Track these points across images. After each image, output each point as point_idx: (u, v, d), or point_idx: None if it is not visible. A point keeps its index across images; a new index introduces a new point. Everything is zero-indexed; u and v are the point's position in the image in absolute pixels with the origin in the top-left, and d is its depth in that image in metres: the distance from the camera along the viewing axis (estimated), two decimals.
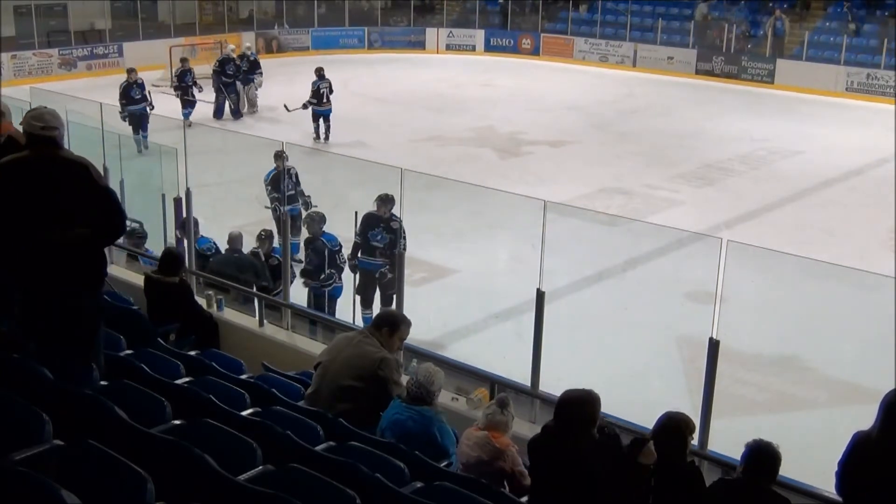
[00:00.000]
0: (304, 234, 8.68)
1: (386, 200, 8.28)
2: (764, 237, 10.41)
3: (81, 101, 9.16)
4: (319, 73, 16.54)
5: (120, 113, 14.58)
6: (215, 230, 9.00)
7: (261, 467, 3.41)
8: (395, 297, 7.29)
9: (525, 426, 5.46)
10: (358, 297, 8.64)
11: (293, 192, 9.98)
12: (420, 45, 28.04)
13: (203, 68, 19.03)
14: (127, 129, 14.32)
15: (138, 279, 6.96)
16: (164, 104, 16.41)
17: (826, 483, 4.31)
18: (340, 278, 8.49)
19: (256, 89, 18.87)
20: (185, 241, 7.89)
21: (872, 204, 13.46)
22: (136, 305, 6.31)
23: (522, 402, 5.73)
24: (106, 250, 4.95)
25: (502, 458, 4.20)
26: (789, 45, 24.22)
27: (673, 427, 3.96)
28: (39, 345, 4.22)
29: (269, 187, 10.02)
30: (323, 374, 4.83)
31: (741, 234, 11.23)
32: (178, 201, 8.18)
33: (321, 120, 16.52)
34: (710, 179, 15.11)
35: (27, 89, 10.58)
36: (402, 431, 4.41)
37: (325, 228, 8.46)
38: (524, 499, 4.21)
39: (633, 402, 5.67)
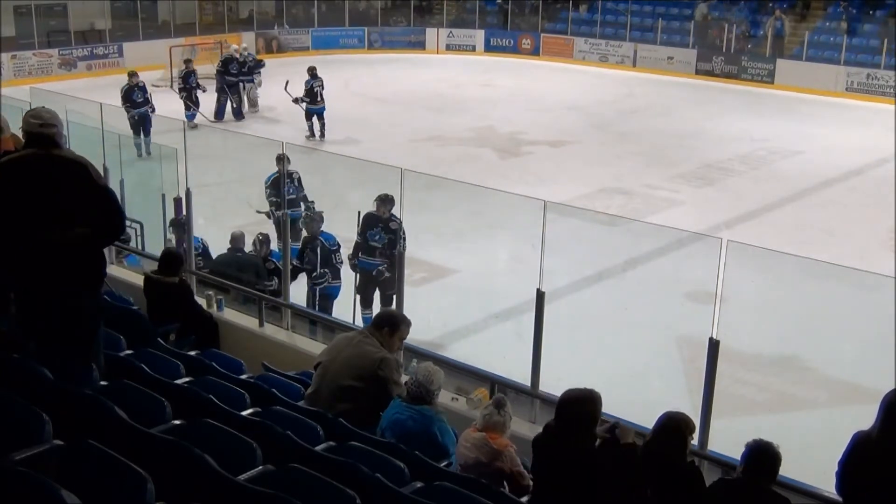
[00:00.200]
0: (304, 234, 8.68)
1: (385, 201, 8.28)
2: (764, 237, 10.40)
3: (81, 101, 9.16)
4: (312, 72, 16.79)
5: (127, 112, 14.59)
6: (215, 230, 9.00)
7: (261, 467, 3.41)
8: (395, 297, 7.28)
9: (525, 426, 5.46)
10: (358, 297, 8.63)
11: (294, 196, 9.82)
12: (420, 46, 28.04)
13: (205, 68, 19.03)
14: (127, 129, 14.30)
15: (138, 279, 6.95)
16: (165, 104, 16.40)
17: (826, 483, 4.31)
18: (338, 279, 8.47)
19: (257, 89, 18.90)
20: (175, 239, 7.85)
21: (872, 204, 13.46)
22: (136, 305, 6.31)
23: (522, 402, 5.73)
24: (105, 250, 4.95)
25: (500, 458, 4.20)
26: (789, 45, 24.23)
27: (673, 427, 3.96)
28: (39, 345, 4.22)
29: (270, 190, 9.87)
30: (323, 374, 4.84)
31: (741, 234, 11.23)
32: (177, 201, 8.18)
33: (314, 118, 16.78)
34: (710, 179, 15.11)
35: (27, 89, 10.59)
36: (403, 431, 4.41)
37: (325, 228, 8.45)
38: (524, 499, 4.21)
39: (633, 402, 5.66)
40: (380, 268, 8.40)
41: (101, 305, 4.63)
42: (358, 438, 4.14)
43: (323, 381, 4.81)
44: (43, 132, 4.13)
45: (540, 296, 5.71)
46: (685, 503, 3.91)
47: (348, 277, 8.62)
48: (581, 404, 3.97)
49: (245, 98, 18.66)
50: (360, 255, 8.55)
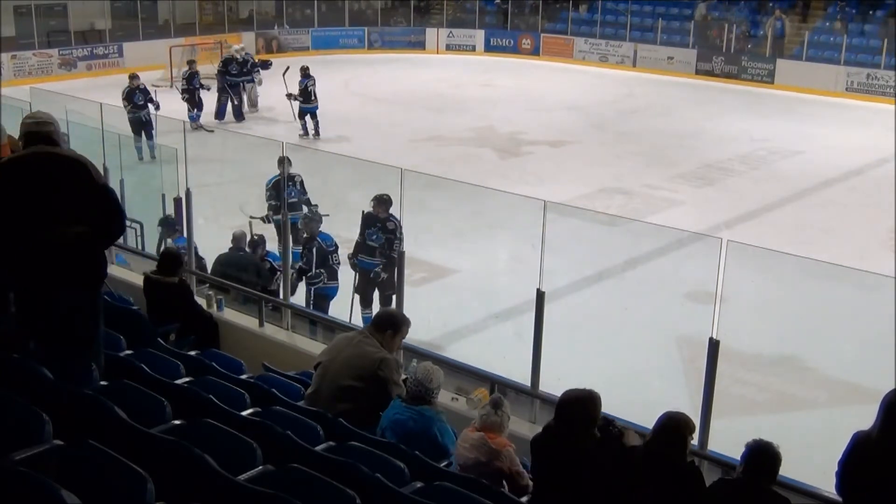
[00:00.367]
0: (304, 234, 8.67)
1: (381, 201, 8.25)
2: (764, 237, 10.39)
3: (81, 102, 9.17)
4: (305, 71, 16.95)
5: (129, 113, 14.59)
6: (215, 230, 9.00)
7: (261, 467, 3.41)
8: (394, 297, 7.28)
9: (525, 426, 5.47)
10: (357, 297, 8.63)
11: (296, 199, 9.70)
12: (420, 46, 28.04)
13: (205, 68, 19.02)
14: (127, 129, 14.29)
15: (138, 279, 6.96)
16: (165, 104, 16.37)
17: (826, 483, 4.31)
18: (335, 279, 8.44)
19: (257, 88, 18.89)
20: (159, 238, 7.84)
21: (872, 204, 13.46)
22: (135, 305, 6.31)
23: (522, 402, 5.73)
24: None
25: (499, 458, 4.20)
26: (789, 45, 24.22)
27: (673, 427, 3.96)
28: (39, 345, 4.22)
29: (270, 192, 9.72)
30: (323, 374, 4.84)
31: (741, 234, 11.23)
32: (177, 201, 8.17)
33: (308, 116, 16.91)
34: (710, 179, 15.11)
35: (27, 89, 10.61)
36: (403, 431, 4.41)
37: (325, 228, 8.44)
38: (524, 498, 4.21)
39: (633, 402, 5.66)
40: (376, 269, 8.40)
41: (102, 305, 4.63)
42: (358, 438, 4.14)
43: (323, 381, 4.81)
44: (40, 130, 4.14)
45: (540, 296, 5.71)
46: (685, 503, 3.92)
47: (347, 278, 8.62)
48: (581, 404, 3.97)
49: (245, 98, 18.66)
50: (359, 254, 8.55)
